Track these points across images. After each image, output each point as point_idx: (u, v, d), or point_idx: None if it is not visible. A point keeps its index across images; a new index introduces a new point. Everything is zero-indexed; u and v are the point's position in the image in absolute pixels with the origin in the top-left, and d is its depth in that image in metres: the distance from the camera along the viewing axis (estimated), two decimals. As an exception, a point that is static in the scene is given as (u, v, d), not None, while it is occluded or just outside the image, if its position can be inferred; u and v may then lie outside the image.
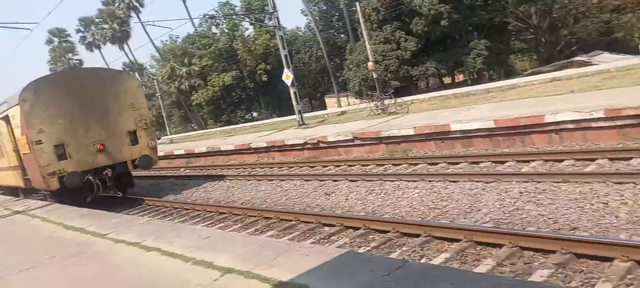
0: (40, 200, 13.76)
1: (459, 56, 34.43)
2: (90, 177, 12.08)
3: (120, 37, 62.18)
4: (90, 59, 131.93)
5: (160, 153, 25.22)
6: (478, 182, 8.31)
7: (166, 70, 49.36)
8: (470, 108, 15.06)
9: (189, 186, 15.02)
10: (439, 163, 10.69)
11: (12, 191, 15.91)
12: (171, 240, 6.17)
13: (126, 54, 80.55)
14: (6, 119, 12.86)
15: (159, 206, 12.09)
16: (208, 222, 9.30)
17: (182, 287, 4.31)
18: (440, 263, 5.26)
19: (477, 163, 10.04)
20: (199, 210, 10.54)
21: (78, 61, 73.33)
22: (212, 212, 10.11)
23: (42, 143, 11.68)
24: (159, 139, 37.41)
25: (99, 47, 65.04)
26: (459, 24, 34.03)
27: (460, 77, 44.25)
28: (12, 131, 12.77)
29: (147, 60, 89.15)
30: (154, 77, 53.76)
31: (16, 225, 9.97)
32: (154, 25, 49.85)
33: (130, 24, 61.62)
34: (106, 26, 60.91)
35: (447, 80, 41.70)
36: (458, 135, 12.22)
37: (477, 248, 5.56)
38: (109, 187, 12.53)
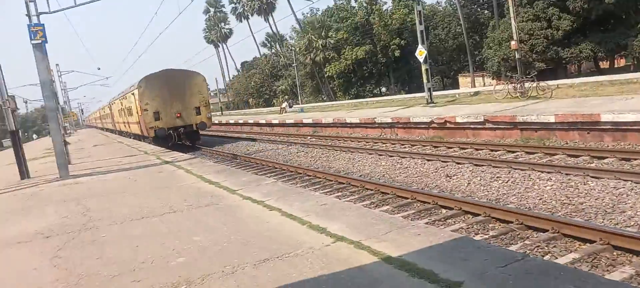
0: (186, 153, 15.78)
1: (623, 38, 30.11)
2: (171, 132, 20.03)
3: (266, 9, 66.24)
4: (239, 29, 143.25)
5: (290, 121, 26.70)
6: (627, 181, 7.35)
7: (304, 41, 51.34)
8: (629, 97, 13.24)
9: (311, 153, 15.67)
10: (581, 156, 9.67)
11: (136, 137, 24.74)
12: (292, 202, 6.51)
13: (270, 25, 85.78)
14: (133, 94, 21.55)
15: (284, 170, 12.86)
16: (327, 190, 9.65)
17: (296, 248, 4.55)
18: (566, 263, 4.81)
19: (628, 160, 8.87)
20: (320, 178, 10.98)
21: (228, 30, 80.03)
22: (331, 180, 10.46)
23: (147, 110, 19.94)
24: (291, 107, 39.39)
25: (247, 18, 70.15)
26: (629, 1, 29.63)
27: (621, 62, 38.88)
28: (135, 102, 21.22)
29: (287, 32, 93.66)
30: (293, 48, 56.29)
31: (164, 173, 11.38)
32: (297, -2, 52.84)
33: (276, -4, 65.38)
34: (255, -2, 65.39)
35: (603, 64, 36.98)
36: (609, 127, 10.87)
37: (614, 254, 4.97)
38: (182, 139, 20.61)
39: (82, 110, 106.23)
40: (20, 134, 14.43)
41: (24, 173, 13.38)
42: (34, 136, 79.58)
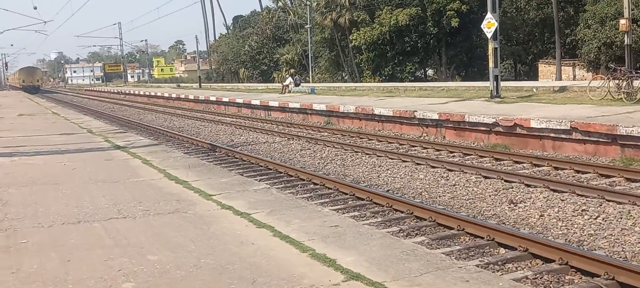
0: (146, 138, 15.88)
1: None
2: (27, 86, 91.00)
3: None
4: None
5: (295, 105, 26.79)
6: None
7: (325, -7, 51.16)
8: None
9: (321, 153, 15.84)
10: None
11: (16, 88, 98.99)
12: (289, 219, 6.57)
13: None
14: (17, 73, 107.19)
15: (280, 172, 12.91)
16: (339, 206, 9.65)
17: (291, 284, 4.57)
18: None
19: None
20: (330, 188, 11.00)
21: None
22: (346, 193, 10.47)
23: (20, 78, 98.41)
24: (298, 85, 39.39)
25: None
26: None
27: None
28: (18, 75, 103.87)
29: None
30: (308, 3, 56.10)
31: (113, 162, 11.49)
32: None
33: None
34: None
35: None
36: None
37: None
38: (31, 90, 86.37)
39: (6, 64, 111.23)
40: None
41: None
42: None
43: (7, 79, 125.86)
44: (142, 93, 61.36)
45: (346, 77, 55.25)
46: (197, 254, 5.36)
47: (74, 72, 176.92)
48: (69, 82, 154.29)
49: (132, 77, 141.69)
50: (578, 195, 9.61)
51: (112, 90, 78.70)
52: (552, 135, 14.44)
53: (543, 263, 6.71)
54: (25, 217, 6.92)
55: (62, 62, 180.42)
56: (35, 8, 50.23)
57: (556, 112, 15.91)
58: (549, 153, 14.10)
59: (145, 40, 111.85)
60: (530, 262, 6.82)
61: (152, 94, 56.71)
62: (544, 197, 9.68)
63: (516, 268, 6.68)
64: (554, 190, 10.02)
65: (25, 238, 6.03)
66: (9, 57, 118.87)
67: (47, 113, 29.30)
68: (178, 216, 6.86)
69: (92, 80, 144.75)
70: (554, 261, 6.64)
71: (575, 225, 8.24)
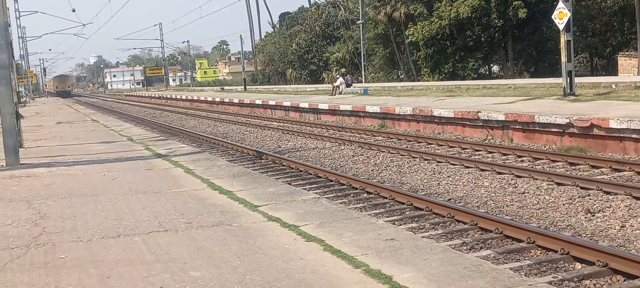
0: (188, 145, 16.18)
1: None
2: (60, 91, 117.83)
3: None
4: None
5: (346, 107, 26.88)
6: None
7: (378, -13, 51.20)
8: None
9: (375, 159, 15.85)
10: None
11: (52, 94, 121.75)
12: (341, 232, 6.59)
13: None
14: (52, 80, 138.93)
15: (331, 180, 12.93)
16: (396, 217, 9.63)
17: (343, 303, 4.58)
18: None
19: None
20: (385, 197, 10.96)
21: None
22: (403, 202, 10.43)
23: (53, 84, 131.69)
24: (349, 86, 39.43)
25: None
26: None
27: None
28: (52, 82, 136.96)
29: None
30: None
31: (154, 171, 11.75)
32: None
33: None
34: None
35: None
36: None
37: None
38: (63, 94, 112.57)
39: (44, 70, 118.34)
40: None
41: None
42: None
43: (45, 85, 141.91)
44: (184, 97, 62.57)
45: (402, 76, 55.10)
46: (242, 270, 5.41)
47: (114, 76, 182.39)
48: (109, 86, 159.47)
49: (174, 80, 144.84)
50: (665, 203, 9.39)
51: (153, 95, 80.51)
52: (634, 136, 14.08)
53: (625, 280, 6.55)
54: (64, 231, 7.11)
55: (102, 66, 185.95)
56: (73, 10, 51.94)
57: (639, 111, 15.51)
58: (631, 157, 13.78)
59: (187, 41, 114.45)
60: (611, 278, 6.66)
61: (195, 98, 57.71)
62: (626, 206, 9.46)
63: (594, 285, 6.54)
64: (637, 198, 9.78)
65: (63, 253, 6.20)
66: (47, 62, 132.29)
67: (86, 120, 30.17)
68: (222, 229, 6.95)
69: (133, 84, 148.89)
70: (637, 277, 6.47)
71: (662, 237, 8.01)
